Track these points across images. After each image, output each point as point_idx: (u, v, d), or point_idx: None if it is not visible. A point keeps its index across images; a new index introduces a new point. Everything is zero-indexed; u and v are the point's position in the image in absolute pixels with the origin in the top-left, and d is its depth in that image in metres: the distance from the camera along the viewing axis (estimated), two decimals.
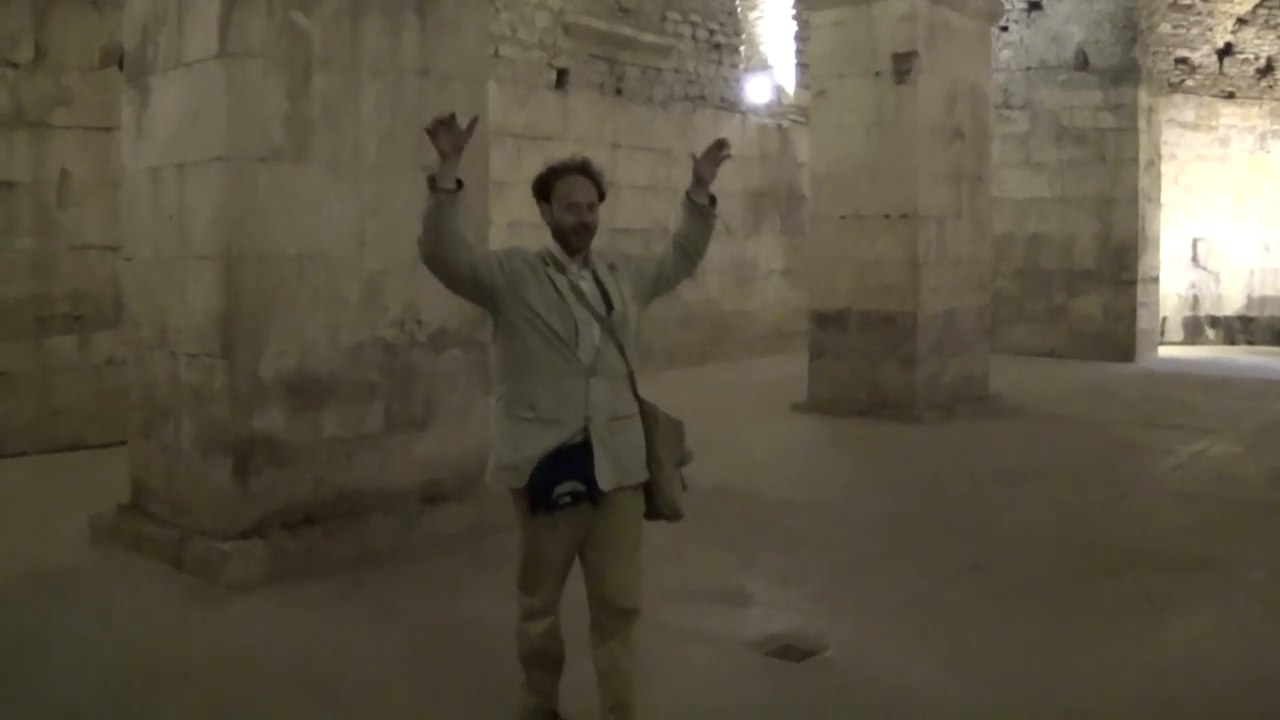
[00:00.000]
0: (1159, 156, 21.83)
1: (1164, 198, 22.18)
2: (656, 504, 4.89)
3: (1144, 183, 20.89)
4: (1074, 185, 20.90)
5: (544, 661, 4.99)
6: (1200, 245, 23.75)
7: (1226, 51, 23.66)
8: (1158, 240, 21.74)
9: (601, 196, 4.88)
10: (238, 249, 7.35)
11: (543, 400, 4.64)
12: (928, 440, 12.77)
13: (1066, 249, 20.93)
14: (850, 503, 9.83)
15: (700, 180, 5.23)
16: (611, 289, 4.84)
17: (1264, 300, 23.87)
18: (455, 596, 7.08)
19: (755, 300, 19.63)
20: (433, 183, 4.51)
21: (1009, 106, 20.50)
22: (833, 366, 14.30)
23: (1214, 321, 23.79)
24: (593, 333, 4.71)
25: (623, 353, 4.78)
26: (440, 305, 8.25)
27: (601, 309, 4.76)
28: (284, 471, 7.49)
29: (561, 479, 4.57)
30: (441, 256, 4.62)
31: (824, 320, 14.42)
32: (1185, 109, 23.36)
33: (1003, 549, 8.44)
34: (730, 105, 19.26)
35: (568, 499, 4.57)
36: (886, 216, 14.03)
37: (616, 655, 4.79)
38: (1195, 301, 23.76)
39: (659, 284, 5.21)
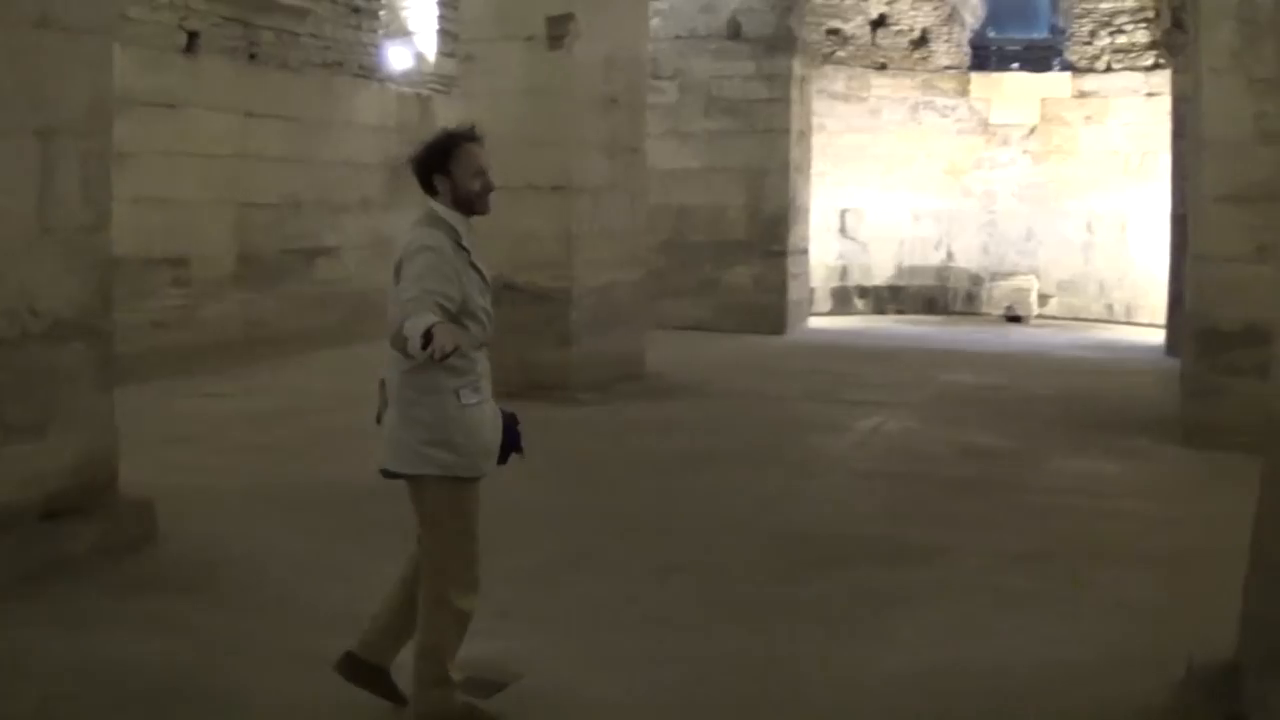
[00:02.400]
0: (810, 127, 21.94)
1: (813, 169, 22.28)
2: None
3: (795, 154, 21.03)
4: (724, 156, 20.83)
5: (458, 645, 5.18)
6: (849, 216, 24.13)
7: (880, 22, 24.13)
8: (808, 211, 21.95)
9: None
10: None
11: (482, 381, 5.08)
12: (589, 423, 12.38)
13: (716, 221, 20.82)
14: (518, 498, 9.09)
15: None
16: (484, 269, 5.21)
17: (913, 270, 24.46)
18: (88, 632, 6.33)
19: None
20: (427, 339, 4.55)
21: (657, 76, 20.11)
22: None
23: (863, 291, 24.19)
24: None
25: None
26: (58, 291, 7.48)
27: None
28: None
29: (517, 434, 5.25)
30: None
31: None
32: (836, 80, 23.70)
33: (697, 544, 8.08)
34: (369, 73, 18.53)
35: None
36: (540, 188, 13.52)
37: None
38: (844, 272, 24.12)
39: None
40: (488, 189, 5.18)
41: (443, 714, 5.07)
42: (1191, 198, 12.30)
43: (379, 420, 5.17)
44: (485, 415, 5.05)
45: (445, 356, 4.53)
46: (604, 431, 11.96)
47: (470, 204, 5.16)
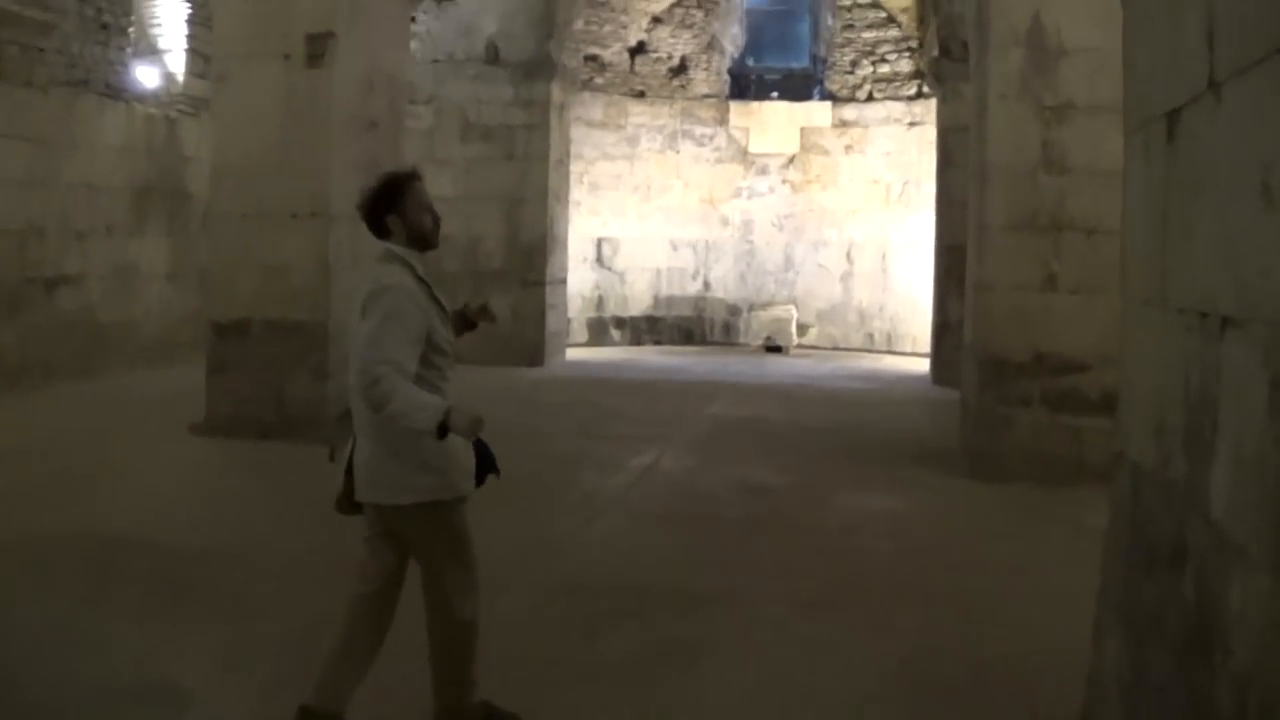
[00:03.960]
0: (568, 155, 21.60)
1: (570, 197, 21.85)
2: None
3: (553, 181, 20.70)
4: (481, 183, 20.39)
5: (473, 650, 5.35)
6: (605, 245, 23.99)
7: (639, 50, 24.07)
8: (566, 240, 21.63)
9: None
10: None
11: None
12: None
13: (472, 250, 20.34)
14: (279, 550, 8.47)
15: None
16: (445, 302, 5.27)
17: (670, 300, 24.40)
18: None
19: (140, 308, 17.92)
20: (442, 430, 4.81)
21: (413, 101, 19.54)
22: (234, 382, 12.91)
23: (619, 322, 24.01)
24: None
25: None
26: None
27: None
28: None
29: (492, 456, 5.37)
30: None
31: (224, 330, 13.01)
32: (594, 107, 23.56)
33: None
34: (116, 92, 17.53)
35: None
36: (295, 215, 12.83)
37: None
38: (600, 302, 23.88)
39: None
40: (438, 223, 5.32)
41: (460, 710, 5.25)
42: (974, 227, 12.13)
43: (332, 458, 5.28)
44: (457, 440, 5.03)
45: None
46: None
47: (424, 239, 5.26)
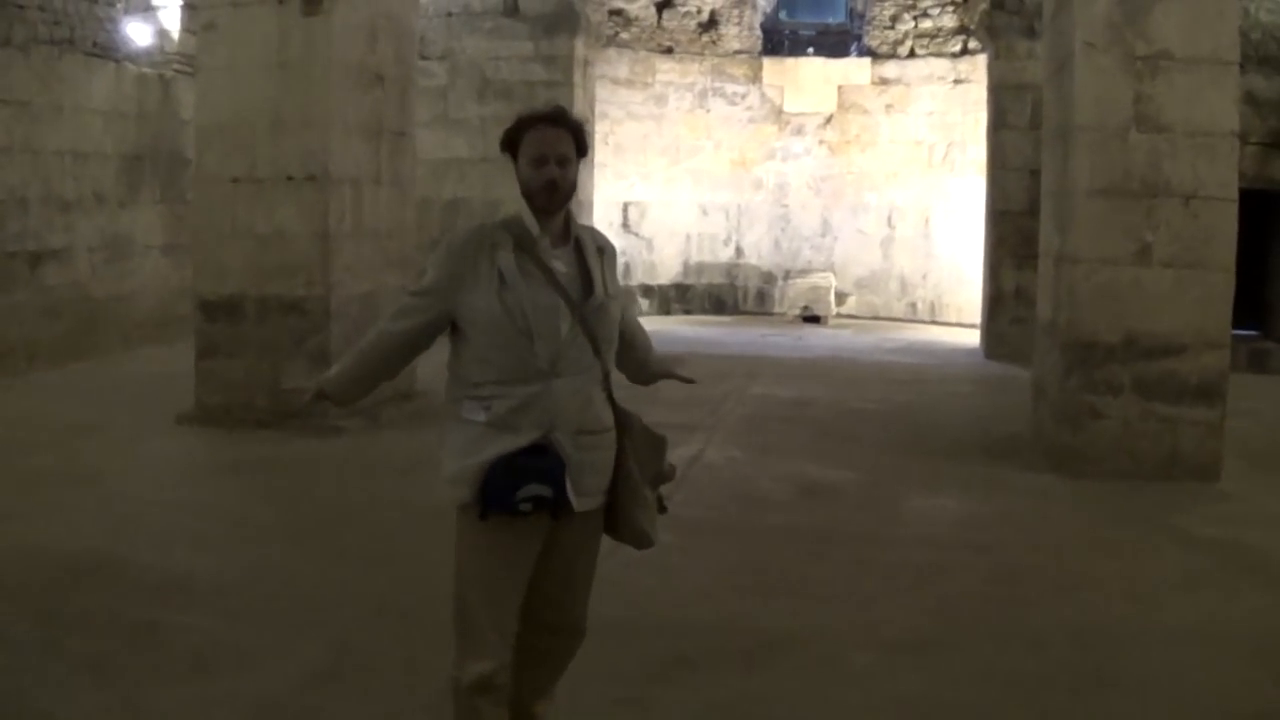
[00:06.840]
0: (593, 114, 20.25)
1: (594, 159, 20.51)
2: (619, 529, 4.36)
3: None
4: (498, 144, 18.85)
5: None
6: (632, 209, 22.83)
7: (666, 4, 22.92)
8: (591, 205, 20.25)
9: (581, 151, 4.26)
10: None
11: (496, 404, 4.10)
12: (351, 459, 10.29)
13: (491, 215, 18.71)
14: (270, 576, 7.09)
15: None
16: (595, 272, 4.25)
17: (701, 267, 23.28)
18: None
19: (133, 282, 16.64)
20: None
21: (426, 57, 18.30)
22: (226, 366, 11.61)
23: (647, 290, 22.89)
24: (558, 324, 4.13)
25: (597, 350, 4.21)
26: None
27: (577, 293, 4.19)
28: None
29: (526, 480, 4.02)
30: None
31: (213, 309, 11.70)
32: (619, 64, 22.36)
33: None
34: (105, 51, 16.27)
35: (528, 504, 4.04)
36: (291, 179, 11.54)
37: (553, 675, 4.58)
38: (627, 269, 22.62)
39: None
40: (547, 181, 4.15)
41: None
42: (1051, 193, 10.85)
43: None
44: (479, 439, 4.07)
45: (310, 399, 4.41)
46: (369, 469, 9.86)
47: (528, 195, 4.21)
